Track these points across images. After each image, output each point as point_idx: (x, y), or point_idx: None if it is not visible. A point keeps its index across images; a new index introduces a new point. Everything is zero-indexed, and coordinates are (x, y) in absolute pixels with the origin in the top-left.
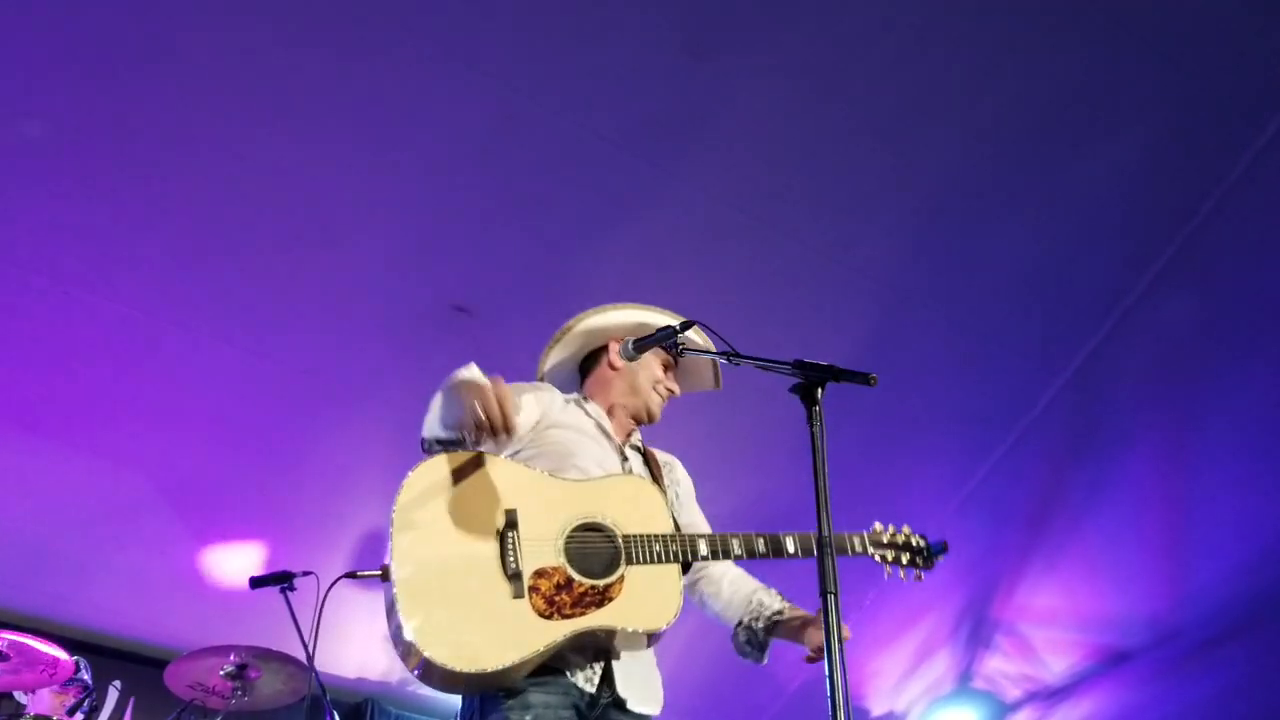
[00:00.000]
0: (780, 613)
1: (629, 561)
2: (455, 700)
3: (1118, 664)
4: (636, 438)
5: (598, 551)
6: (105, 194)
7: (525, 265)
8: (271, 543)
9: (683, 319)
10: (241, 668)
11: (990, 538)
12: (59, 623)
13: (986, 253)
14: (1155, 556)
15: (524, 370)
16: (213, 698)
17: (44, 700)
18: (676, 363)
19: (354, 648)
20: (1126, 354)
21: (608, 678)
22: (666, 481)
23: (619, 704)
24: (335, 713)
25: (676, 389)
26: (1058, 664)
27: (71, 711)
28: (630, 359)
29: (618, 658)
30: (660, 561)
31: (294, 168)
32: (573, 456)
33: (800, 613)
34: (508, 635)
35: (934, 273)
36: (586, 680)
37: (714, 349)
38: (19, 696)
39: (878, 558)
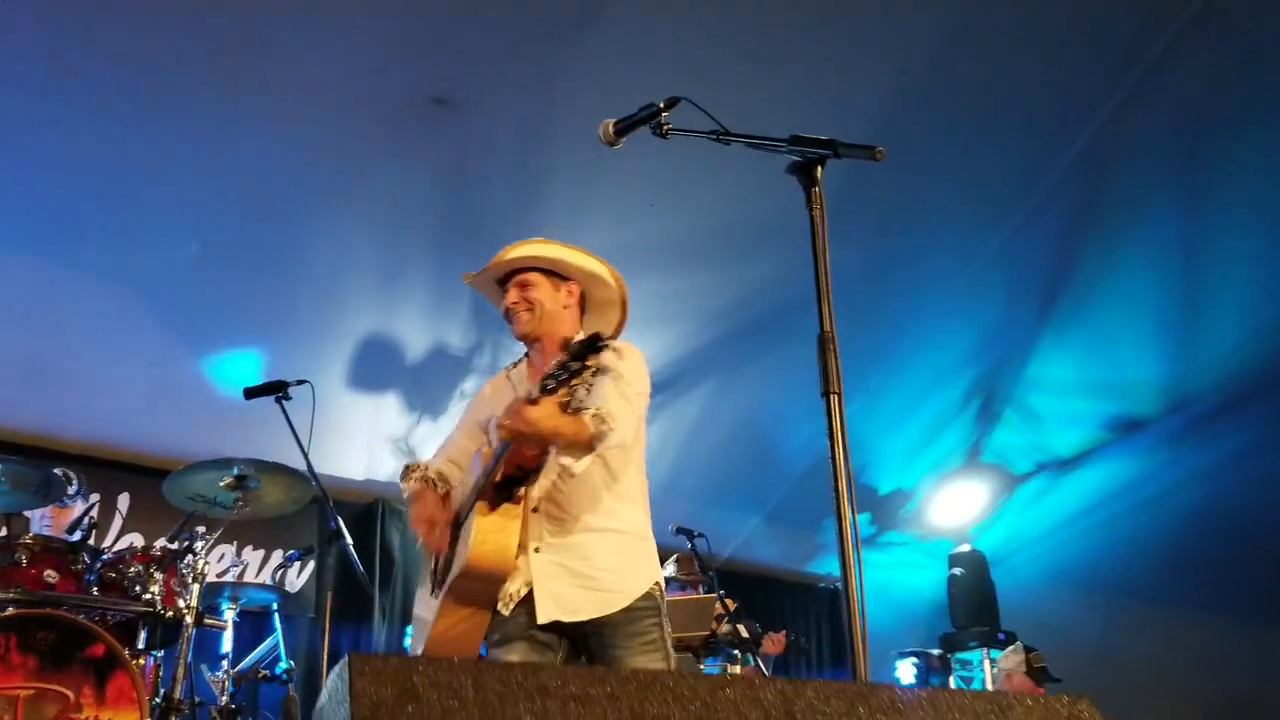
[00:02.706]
0: None
1: (461, 520)
2: None
3: (1128, 433)
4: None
5: (456, 525)
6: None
7: (504, 55)
8: (267, 352)
9: (572, 255)
10: (241, 478)
11: (1000, 313)
12: (61, 438)
13: (997, 20)
14: (1166, 326)
15: (510, 162)
16: (215, 508)
17: (47, 517)
18: (505, 281)
19: (358, 450)
20: (1140, 123)
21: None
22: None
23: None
24: (339, 517)
25: (509, 299)
26: (1068, 435)
27: (71, 529)
28: (611, 144)
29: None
30: (471, 507)
31: None
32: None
33: None
34: (427, 624)
35: (945, 42)
36: (504, 606)
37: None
38: (28, 514)
39: None
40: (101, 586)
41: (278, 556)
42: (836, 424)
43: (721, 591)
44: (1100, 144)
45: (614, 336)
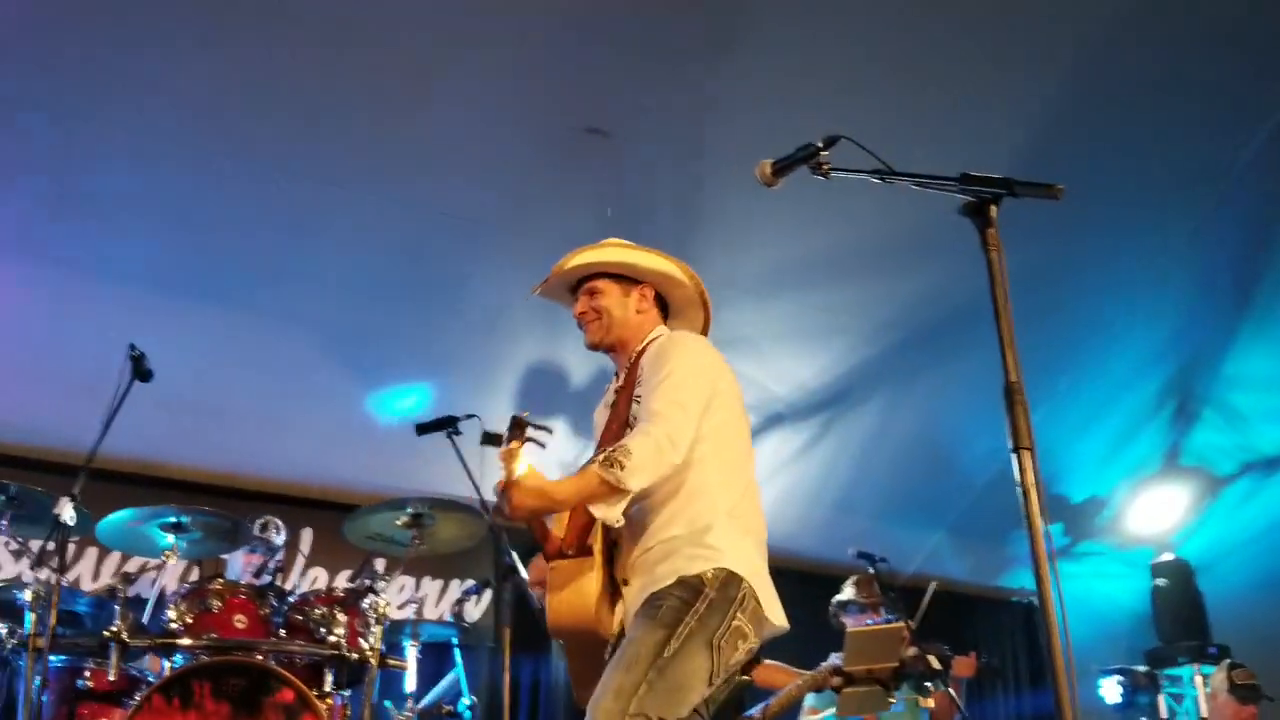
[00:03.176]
0: None
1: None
2: None
3: None
4: (622, 378)
5: None
6: (239, 61)
7: (658, 82)
8: (438, 387)
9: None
10: (417, 516)
11: (1192, 309)
12: (245, 477)
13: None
14: None
15: (669, 186)
16: (393, 546)
17: (238, 562)
18: (577, 288)
19: None
20: None
21: None
22: (636, 396)
23: None
24: (513, 551)
25: (577, 309)
26: (1274, 431)
27: (258, 573)
28: (769, 184)
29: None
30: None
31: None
32: None
33: None
34: None
35: (1118, 29)
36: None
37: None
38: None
39: None
40: (288, 629)
41: (455, 586)
42: (1030, 480)
43: (895, 617)
44: None
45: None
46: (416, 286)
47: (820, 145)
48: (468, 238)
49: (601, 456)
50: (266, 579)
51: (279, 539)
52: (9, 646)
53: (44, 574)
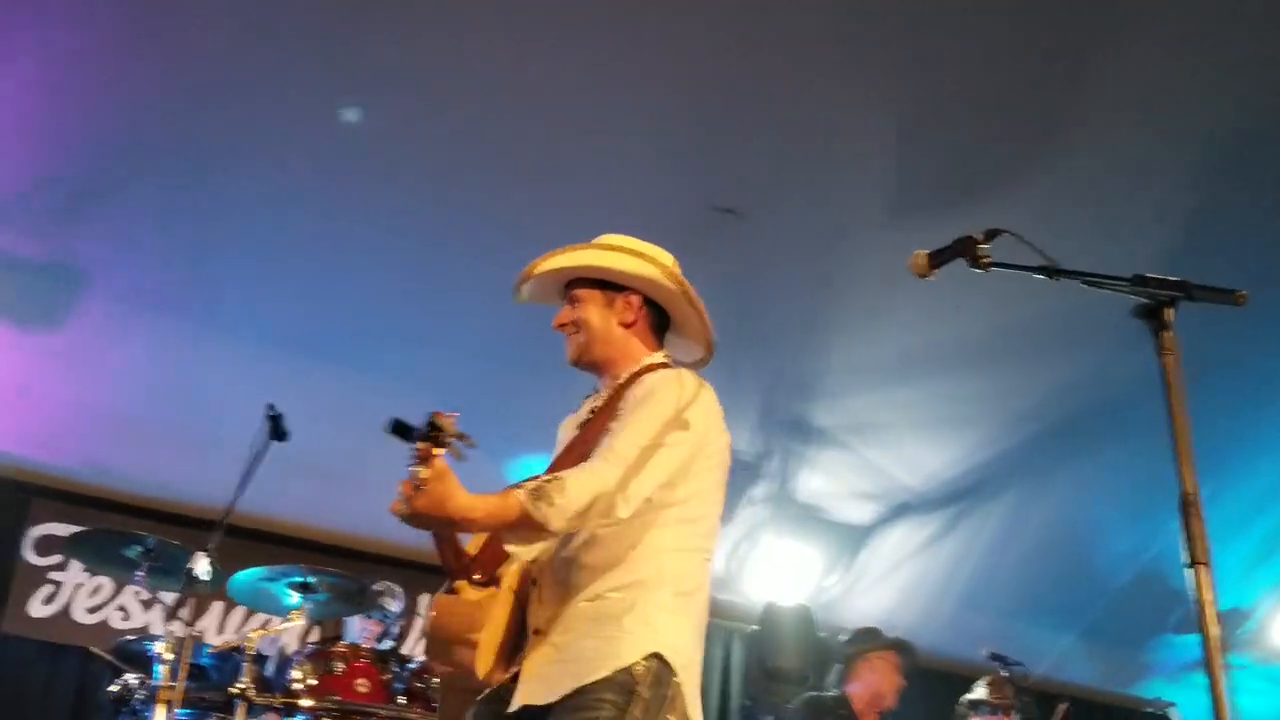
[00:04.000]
0: None
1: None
2: (752, 611)
3: None
4: (602, 398)
5: None
6: (377, 128)
7: (787, 161)
8: None
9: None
10: None
11: None
12: (366, 539)
13: None
14: None
15: (799, 269)
16: None
17: (355, 625)
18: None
19: None
20: None
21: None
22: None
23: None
24: None
25: (557, 321)
26: None
27: (380, 638)
28: (923, 275)
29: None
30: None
31: (541, 79)
32: None
33: None
34: None
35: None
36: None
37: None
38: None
39: None
40: (408, 696)
41: None
42: (1206, 597)
43: None
44: None
45: (704, 342)
46: (549, 358)
47: (979, 237)
48: None
49: (532, 485)
50: (388, 644)
51: (395, 606)
52: (138, 697)
53: (175, 627)
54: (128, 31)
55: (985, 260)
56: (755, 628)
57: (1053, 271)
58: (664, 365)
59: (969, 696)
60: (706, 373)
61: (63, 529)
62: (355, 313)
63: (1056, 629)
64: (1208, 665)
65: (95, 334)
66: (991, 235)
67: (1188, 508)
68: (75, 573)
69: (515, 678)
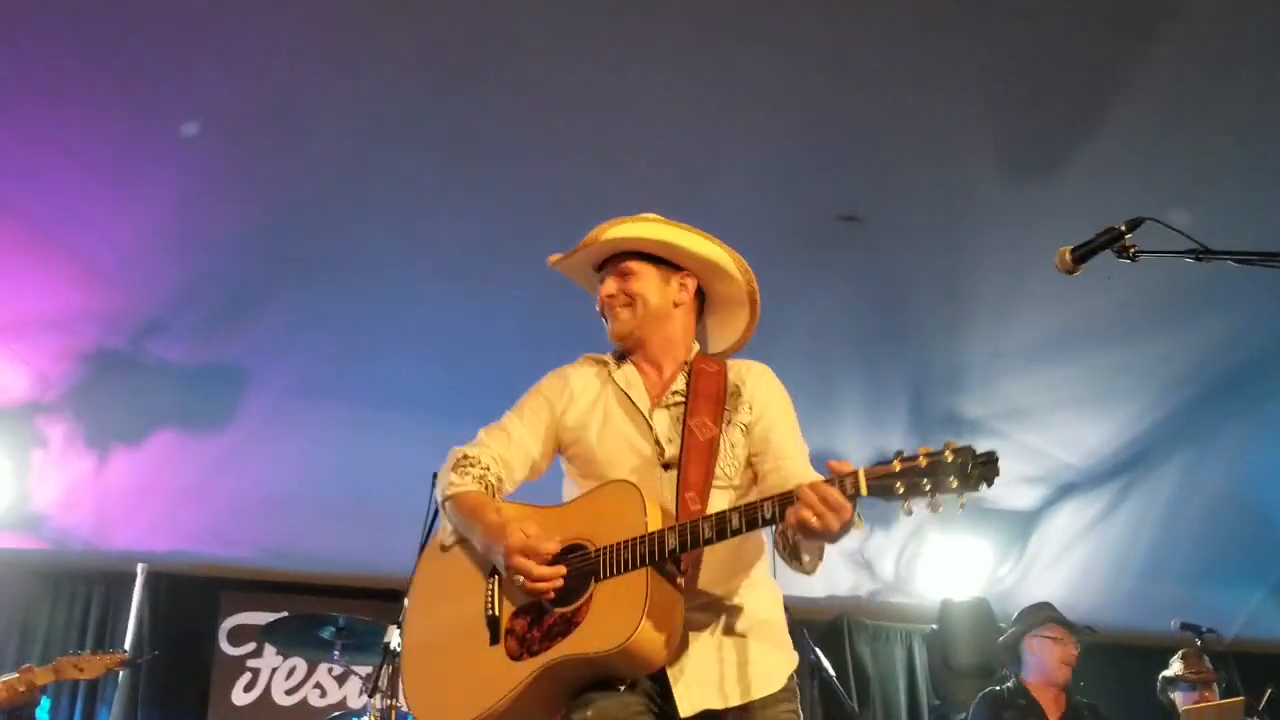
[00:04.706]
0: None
1: (599, 578)
2: (928, 612)
3: None
4: (680, 382)
5: (575, 575)
6: (506, 195)
7: (908, 164)
8: None
9: (641, 218)
10: None
11: None
12: None
13: None
14: None
15: (929, 268)
16: None
17: None
18: (605, 268)
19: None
20: None
21: (665, 691)
22: (726, 419)
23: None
24: (813, 645)
25: (605, 290)
26: None
27: None
28: (1070, 271)
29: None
30: (627, 569)
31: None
32: (598, 465)
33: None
34: (475, 687)
35: None
36: (647, 694)
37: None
38: None
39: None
40: None
41: None
42: None
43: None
44: None
45: (740, 344)
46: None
47: (1123, 229)
48: None
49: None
50: None
51: None
52: None
53: (376, 700)
54: (263, 142)
55: (1133, 250)
56: (934, 626)
57: (1203, 254)
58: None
59: (1166, 673)
60: (853, 372)
61: (255, 617)
62: (501, 372)
63: (1244, 588)
64: None
65: (260, 429)
66: (1135, 224)
67: None
68: (270, 657)
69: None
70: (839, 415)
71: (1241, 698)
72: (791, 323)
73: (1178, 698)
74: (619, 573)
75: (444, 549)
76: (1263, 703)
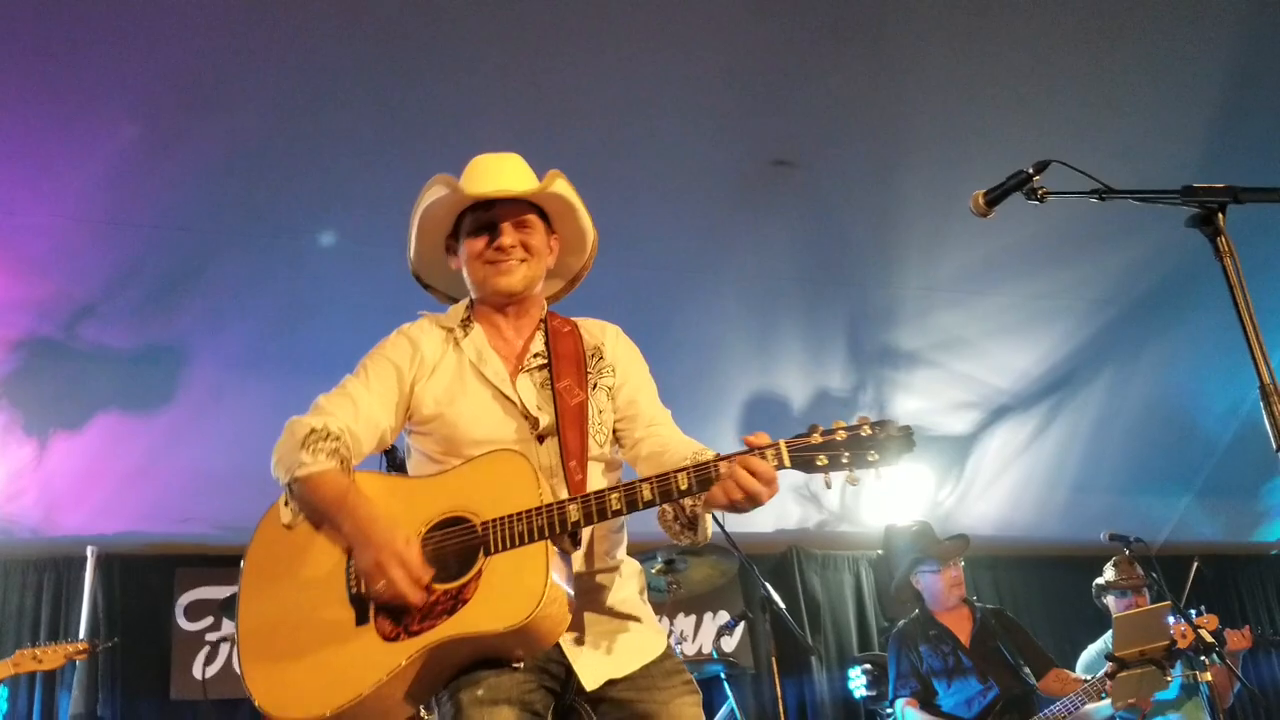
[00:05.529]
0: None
1: (489, 552)
2: (873, 538)
3: None
4: (538, 341)
5: (457, 549)
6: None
7: (838, 107)
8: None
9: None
10: (669, 563)
11: None
12: None
13: None
14: None
15: (861, 207)
16: (653, 594)
17: None
18: (546, 219)
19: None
20: None
21: (561, 666)
22: (591, 383)
23: (583, 690)
24: (765, 581)
25: (507, 240)
26: None
27: None
28: (983, 214)
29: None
30: (523, 543)
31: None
32: (462, 443)
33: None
34: (339, 673)
35: None
36: (541, 669)
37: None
38: None
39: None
40: None
41: (709, 620)
42: None
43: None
44: None
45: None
46: (629, 328)
47: (1031, 171)
48: (673, 282)
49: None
50: None
51: None
52: None
53: None
54: (184, 118)
55: (1041, 191)
56: (879, 552)
57: (1105, 193)
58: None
59: (1099, 580)
60: (792, 312)
61: (211, 592)
62: None
63: (1172, 495)
64: None
65: (204, 405)
66: (1042, 166)
67: (1268, 397)
68: (229, 629)
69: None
70: (779, 355)
71: (1168, 602)
72: (729, 266)
73: (1111, 602)
74: (512, 546)
75: (287, 527)
76: (1190, 579)
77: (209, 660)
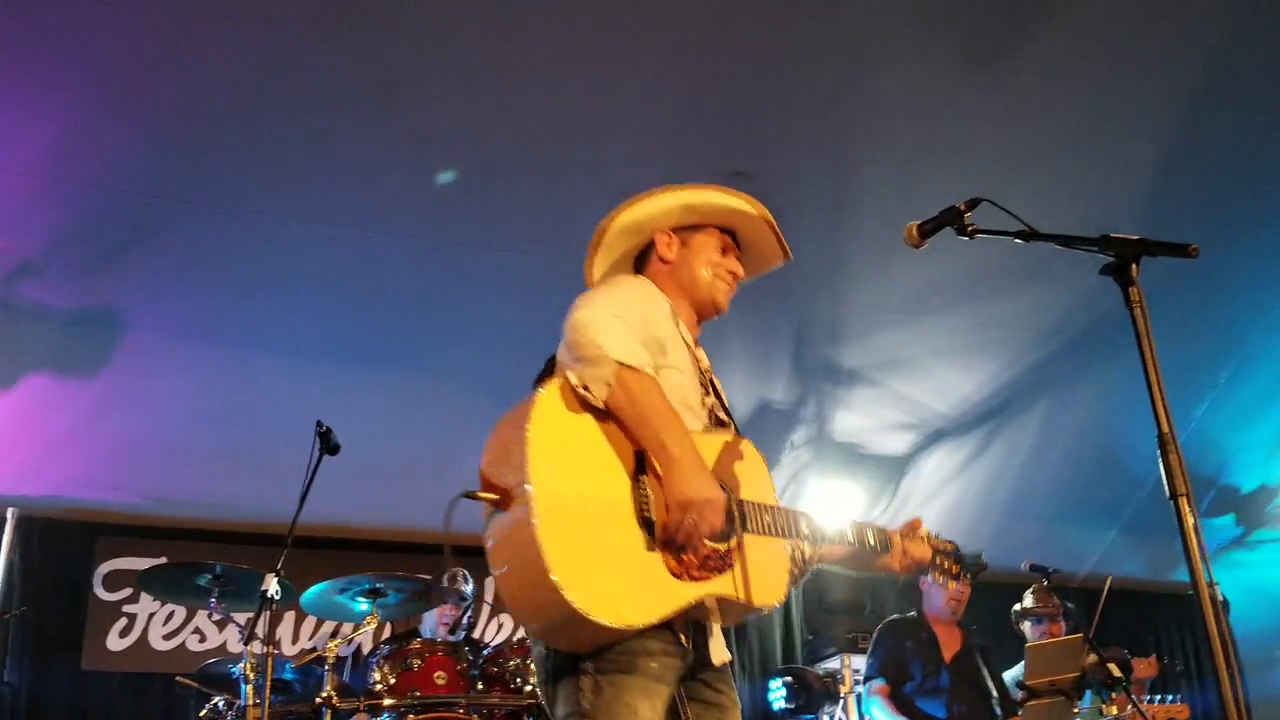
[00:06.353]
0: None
1: (744, 528)
2: None
3: None
4: (703, 357)
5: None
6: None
7: (798, 124)
8: None
9: (726, 192)
10: None
11: None
12: (433, 533)
13: None
14: None
15: (814, 224)
16: None
17: (433, 617)
18: (737, 242)
19: None
20: None
21: (700, 642)
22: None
23: (706, 663)
24: None
25: (740, 271)
26: None
27: (453, 629)
28: (916, 245)
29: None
30: (770, 534)
31: (555, 62)
32: (687, 405)
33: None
34: (649, 592)
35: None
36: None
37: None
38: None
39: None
40: (485, 682)
41: None
42: (1189, 524)
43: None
44: None
45: None
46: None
47: (962, 207)
48: None
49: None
50: (461, 634)
51: (468, 588)
52: (229, 718)
53: (255, 646)
54: (133, 83)
55: (971, 228)
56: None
57: (1029, 235)
58: None
59: (1018, 606)
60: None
61: (131, 563)
62: (391, 319)
63: (1098, 528)
64: (1194, 587)
65: (139, 372)
66: (973, 204)
67: (1165, 447)
68: (148, 603)
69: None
70: (725, 365)
71: (1080, 634)
72: None
73: (1027, 629)
74: (762, 533)
75: (578, 408)
76: (1103, 597)
77: (124, 633)
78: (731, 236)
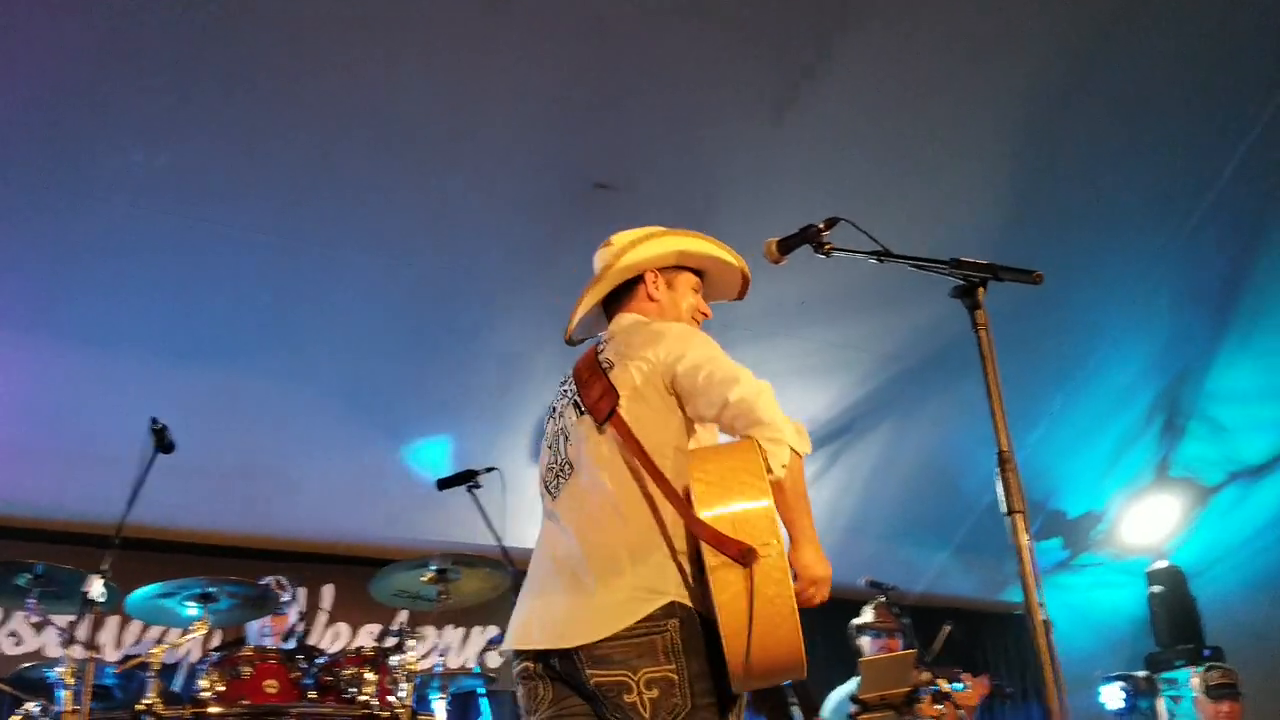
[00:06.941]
0: None
1: None
2: None
3: None
4: None
5: None
6: (232, 131)
7: (660, 135)
8: (457, 438)
9: (712, 242)
10: (441, 572)
11: (1176, 326)
12: (269, 536)
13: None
14: None
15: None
16: (419, 603)
17: (255, 628)
18: (702, 277)
19: None
20: None
21: None
22: None
23: None
24: None
25: (710, 312)
26: (1257, 442)
27: (286, 637)
28: (776, 261)
29: None
30: None
31: (416, 71)
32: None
33: None
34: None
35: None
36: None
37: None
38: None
39: None
40: (319, 691)
41: (477, 633)
42: (1023, 540)
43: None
44: (1272, 136)
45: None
46: (429, 341)
47: (821, 226)
48: (478, 291)
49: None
50: (294, 642)
51: (285, 596)
52: None
53: (75, 650)
54: None
55: (828, 246)
56: None
57: (884, 255)
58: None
59: (857, 621)
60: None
61: None
62: (228, 317)
63: (933, 548)
64: (1027, 604)
65: None
66: (832, 223)
67: (1004, 464)
68: None
69: None
70: None
71: (913, 650)
72: (547, 289)
73: (865, 643)
74: None
75: (761, 474)
76: (939, 640)
77: None
78: (700, 276)
